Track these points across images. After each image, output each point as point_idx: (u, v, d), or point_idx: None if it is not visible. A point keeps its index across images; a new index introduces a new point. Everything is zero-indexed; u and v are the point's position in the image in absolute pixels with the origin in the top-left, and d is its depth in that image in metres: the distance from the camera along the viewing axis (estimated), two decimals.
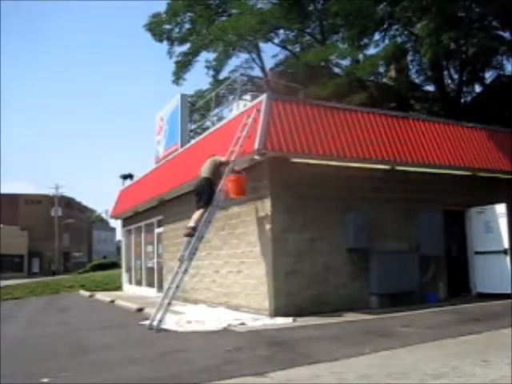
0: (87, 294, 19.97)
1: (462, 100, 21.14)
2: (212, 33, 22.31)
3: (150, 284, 17.24)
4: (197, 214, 9.84)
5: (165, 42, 24.94)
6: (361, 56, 18.92)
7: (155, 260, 16.89)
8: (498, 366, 5.15)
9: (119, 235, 29.64)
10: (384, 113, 12.10)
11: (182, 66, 25.06)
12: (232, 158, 9.99)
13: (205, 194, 9.86)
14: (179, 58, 25.06)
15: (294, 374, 5.29)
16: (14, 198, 61.22)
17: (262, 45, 24.78)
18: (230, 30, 21.22)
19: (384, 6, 16.67)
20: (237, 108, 12.75)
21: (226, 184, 9.95)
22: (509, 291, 10.75)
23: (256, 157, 9.90)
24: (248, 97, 13.16)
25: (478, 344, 6.61)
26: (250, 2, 22.55)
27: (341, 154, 10.44)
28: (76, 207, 74.66)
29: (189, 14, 24.50)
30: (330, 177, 10.60)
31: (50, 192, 64.07)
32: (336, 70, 21.91)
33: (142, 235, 18.54)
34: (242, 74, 22.46)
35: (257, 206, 10.29)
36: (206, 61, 25.27)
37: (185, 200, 13.54)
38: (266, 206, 10.00)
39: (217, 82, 24.37)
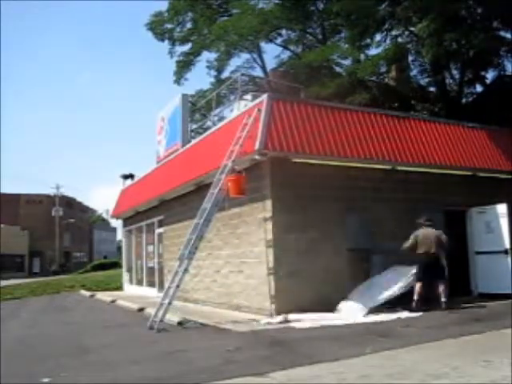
0: (88, 293, 19.95)
1: (463, 100, 21.10)
2: (213, 32, 22.33)
3: (151, 284, 17.24)
4: None
5: (166, 42, 25.05)
6: (362, 56, 18.90)
7: (156, 260, 16.89)
8: (499, 366, 5.15)
9: (120, 235, 29.63)
10: (385, 113, 12.10)
11: (184, 66, 25.09)
12: (232, 158, 9.98)
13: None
14: (180, 58, 25.12)
15: (294, 374, 5.29)
16: (14, 198, 61.18)
17: (263, 45, 24.84)
18: (232, 29, 21.23)
19: (385, 5, 16.64)
20: (238, 108, 12.75)
21: (225, 184, 9.94)
22: (510, 291, 10.73)
23: (257, 157, 9.90)
24: (249, 97, 13.15)
25: (479, 344, 6.61)
26: (251, 1, 22.55)
27: (342, 153, 10.44)
28: (77, 207, 74.63)
29: (190, 13, 24.55)
30: (330, 177, 10.60)
31: (51, 192, 64.18)
32: (338, 69, 21.90)
33: (143, 235, 18.55)
34: (243, 74, 22.48)
35: (257, 205, 10.28)
36: (208, 61, 25.31)
37: (186, 200, 13.55)
38: (266, 206, 9.99)
39: (218, 82, 24.38)
